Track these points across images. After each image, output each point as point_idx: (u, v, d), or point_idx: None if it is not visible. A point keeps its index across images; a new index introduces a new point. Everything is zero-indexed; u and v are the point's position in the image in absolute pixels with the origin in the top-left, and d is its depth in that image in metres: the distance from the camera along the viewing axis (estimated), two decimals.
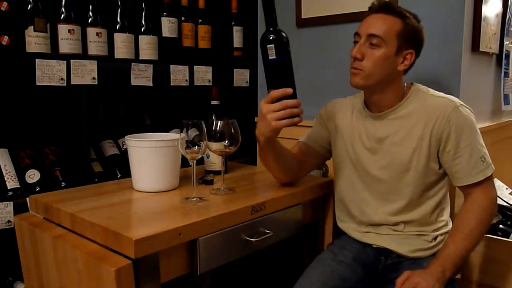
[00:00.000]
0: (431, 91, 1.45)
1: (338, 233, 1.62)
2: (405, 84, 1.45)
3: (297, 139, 1.64)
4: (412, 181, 1.40)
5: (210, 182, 1.59)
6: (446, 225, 1.47)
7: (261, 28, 2.31)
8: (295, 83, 1.32)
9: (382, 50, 1.35)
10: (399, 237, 1.44)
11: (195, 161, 1.37)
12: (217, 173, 1.72)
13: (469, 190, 1.36)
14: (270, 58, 1.30)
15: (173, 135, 1.59)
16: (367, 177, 1.47)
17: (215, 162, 1.73)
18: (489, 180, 1.36)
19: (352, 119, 1.52)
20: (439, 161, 1.39)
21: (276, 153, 1.47)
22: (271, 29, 1.31)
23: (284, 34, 1.31)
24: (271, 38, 1.30)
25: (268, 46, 1.29)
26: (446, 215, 1.48)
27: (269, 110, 1.30)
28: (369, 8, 1.43)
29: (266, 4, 1.30)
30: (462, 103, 1.38)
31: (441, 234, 1.44)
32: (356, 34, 1.41)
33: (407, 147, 1.39)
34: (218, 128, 1.39)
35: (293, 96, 1.31)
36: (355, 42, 1.41)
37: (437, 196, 1.43)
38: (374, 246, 1.48)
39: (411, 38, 1.38)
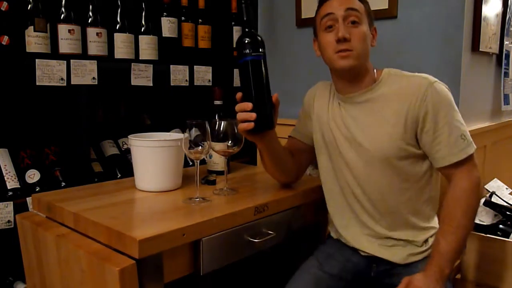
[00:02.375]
0: (405, 72, 1.39)
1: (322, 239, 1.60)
2: (375, 70, 1.41)
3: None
4: (389, 166, 1.35)
5: (213, 182, 1.59)
6: (434, 223, 1.44)
7: (261, 28, 2.32)
8: (266, 84, 1.30)
9: (363, 26, 1.33)
10: (388, 245, 1.41)
11: (198, 161, 1.36)
12: (220, 173, 1.71)
13: (451, 171, 1.30)
14: (248, 56, 1.28)
15: (176, 135, 1.58)
16: (343, 163, 1.42)
17: (218, 162, 1.73)
18: (471, 160, 1.29)
19: (329, 102, 1.49)
20: (418, 144, 1.34)
21: (273, 155, 1.44)
22: (248, 30, 1.30)
23: (260, 38, 1.30)
24: (249, 37, 1.29)
25: (246, 46, 1.28)
26: (433, 208, 1.44)
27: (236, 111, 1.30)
28: None
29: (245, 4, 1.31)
30: (436, 79, 1.33)
31: (431, 236, 1.41)
32: (328, 15, 1.33)
33: (380, 131, 1.34)
34: (221, 129, 1.39)
35: (259, 98, 1.29)
36: (328, 28, 1.34)
37: (419, 183, 1.38)
38: (363, 254, 1.45)
39: (372, 14, 1.39)
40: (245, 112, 1.28)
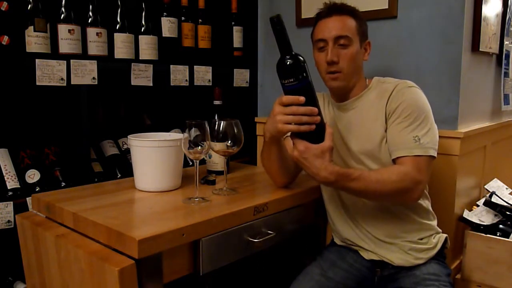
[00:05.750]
0: (390, 79, 1.48)
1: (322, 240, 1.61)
2: (367, 79, 1.51)
3: None
4: (376, 161, 1.41)
5: (212, 182, 1.59)
6: (433, 221, 1.46)
7: (261, 28, 2.31)
8: (317, 102, 1.28)
9: (352, 47, 1.41)
10: (389, 243, 1.43)
11: (198, 161, 1.36)
12: (219, 173, 1.72)
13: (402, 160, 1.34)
14: (291, 85, 1.25)
15: (176, 135, 1.58)
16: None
17: (217, 162, 1.73)
18: (418, 162, 1.31)
19: (324, 109, 1.55)
20: None
21: (280, 152, 1.45)
22: (287, 56, 1.25)
23: (301, 58, 1.25)
24: (288, 63, 1.24)
25: (287, 74, 1.24)
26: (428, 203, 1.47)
27: (280, 112, 1.26)
28: (320, 13, 1.45)
29: (277, 30, 1.25)
30: (417, 86, 1.41)
31: (432, 236, 1.44)
32: (320, 40, 1.42)
33: (365, 131, 1.42)
34: (221, 129, 1.39)
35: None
36: (321, 48, 1.43)
37: None
38: (367, 258, 1.47)
39: (365, 30, 1.47)
40: (312, 116, 1.25)
